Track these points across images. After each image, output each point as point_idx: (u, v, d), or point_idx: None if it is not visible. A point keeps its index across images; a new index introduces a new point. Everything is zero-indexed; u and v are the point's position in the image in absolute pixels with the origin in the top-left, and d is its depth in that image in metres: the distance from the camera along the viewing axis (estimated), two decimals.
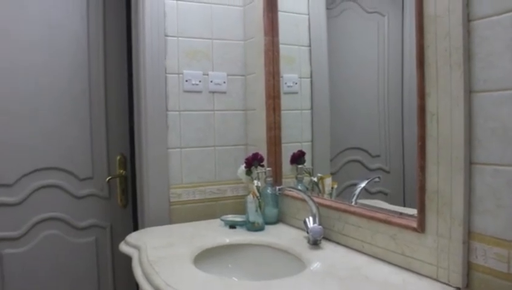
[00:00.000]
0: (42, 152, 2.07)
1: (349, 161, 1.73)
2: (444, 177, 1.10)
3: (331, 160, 1.80)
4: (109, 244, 2.24)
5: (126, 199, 2.25)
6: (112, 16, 2.20)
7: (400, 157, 1.52)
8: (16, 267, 2.04)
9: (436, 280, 1.14)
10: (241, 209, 2.07)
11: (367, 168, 1.66)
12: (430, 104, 1.13)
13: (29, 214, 2.06)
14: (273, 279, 1.27)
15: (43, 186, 2.08)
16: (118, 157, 2.22)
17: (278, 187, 1.51)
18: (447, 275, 1.11)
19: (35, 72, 2.05)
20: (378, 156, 1.63)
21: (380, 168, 1.61)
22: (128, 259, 2.22)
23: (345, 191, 1.67)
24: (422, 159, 1.15)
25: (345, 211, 1.48)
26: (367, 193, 1.58)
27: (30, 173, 2.05)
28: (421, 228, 1.18)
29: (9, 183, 2.01)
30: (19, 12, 2.02)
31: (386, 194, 1.55)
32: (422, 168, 1.16)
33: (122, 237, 2.20)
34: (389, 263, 1.30)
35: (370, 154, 1.65)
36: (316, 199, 1.57)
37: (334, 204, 1.55)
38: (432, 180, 1.14)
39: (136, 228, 2.18)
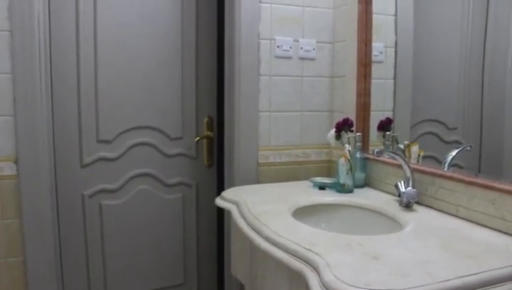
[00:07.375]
0: (138, 112, 2.18)
1: (425, 133, 1.75)
2: None
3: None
4: (195, 202, 2.36)
5: (212, 160, 2.36)
6: None
7: (478, 131, 1.53)
8: (113, 217, 2.19)
9: None
10: (324, 173, 2.15)
11: (443, 141, 1.67)
12: None
13: (125, 169, 2.20)
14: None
15: (138, 144, 2.20)
16: (206, 120, 2.32)
17: (376, 150, 1.55)
18: None
19: (133, 33, 2.14)
20: (455, 128, 1.64)
21: (456, 141, 1.62)
22: (211, 215, 2.37)
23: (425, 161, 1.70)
24: None
25: (440, 176, 1.52)
26: (440, 164, 1.61)
27: (127, 130, 2.17)
28: None
29: (109, 139, 2.15)
30: None
31: (461, 167, 1.56)
32: None
33: (207, 195, 2.35)
34: (487, 226, 1.34)
35: (447, 126, 1.66)
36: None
37: (428, 169, 1.58)
38: None
39: (220, 187, 2.29)
